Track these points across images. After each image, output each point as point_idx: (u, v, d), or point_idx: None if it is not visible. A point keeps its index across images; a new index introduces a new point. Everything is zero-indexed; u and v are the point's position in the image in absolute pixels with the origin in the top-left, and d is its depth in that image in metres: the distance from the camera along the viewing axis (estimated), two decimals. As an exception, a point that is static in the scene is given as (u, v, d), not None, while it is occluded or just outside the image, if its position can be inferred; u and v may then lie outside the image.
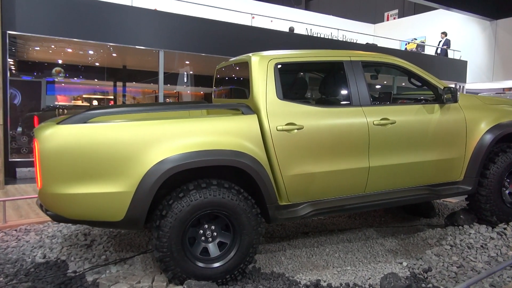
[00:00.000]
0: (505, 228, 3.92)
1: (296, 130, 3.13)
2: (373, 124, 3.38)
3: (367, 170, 3.39)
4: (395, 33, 17.98)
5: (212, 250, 2.99)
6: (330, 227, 4.56)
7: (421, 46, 17.16)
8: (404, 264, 3.48)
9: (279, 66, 3.24)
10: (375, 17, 20.93)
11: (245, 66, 3.31)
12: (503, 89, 17.36)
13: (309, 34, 15.97)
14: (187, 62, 11.50)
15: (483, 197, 3.84)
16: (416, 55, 15.08)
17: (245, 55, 3.42)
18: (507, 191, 4.06)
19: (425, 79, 3.72)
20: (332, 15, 19.35)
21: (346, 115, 3.34)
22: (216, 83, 4.34)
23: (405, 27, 18.66)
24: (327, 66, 3.85)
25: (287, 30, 13.20)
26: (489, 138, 3.77)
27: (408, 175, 3.58)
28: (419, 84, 3.86)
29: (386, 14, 20.55)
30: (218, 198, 2.88)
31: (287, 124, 3.11)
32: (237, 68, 3.71)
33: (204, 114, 3.98)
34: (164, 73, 9.43)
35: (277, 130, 3.08)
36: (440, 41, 15.65)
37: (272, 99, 3.14)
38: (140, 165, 2.73)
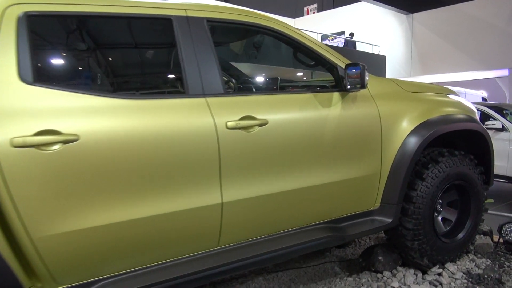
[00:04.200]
0: (440, 274, 2.68)
1: (59, 146, 1.55)
2: (226, 128, 1.91)
3: (218, 209, 1.92)
4: (315, 27, 17.20)
5: None
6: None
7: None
8: None
9: (33, 19, 1.64)
10: (295, 12, 20.09)
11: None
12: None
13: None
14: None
15: (409, 232, 2.56)
16: (337, 49, 14.32)
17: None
18: (439, 217, 2.84)
19: (317, 52, 2.33)
20: (252, 8, 18.17)
21: (174, 112, 1.82)
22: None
23: (324, 21, 17.96)
24: (140, 26, 2.23)
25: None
26: (414, 143, 2.49)
27: (293, 210, 2.17)
28: (312, 62, 2.49)
29: (306, 8, 19.79)
30: None
31: (39, 134, 1.53)
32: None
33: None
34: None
35: (13, 146, 1.48)
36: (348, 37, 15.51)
37: (9, 83, 1.54)
38: None
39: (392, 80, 2.65)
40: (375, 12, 15.80)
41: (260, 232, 2.10)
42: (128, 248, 1.74)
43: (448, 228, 2.84)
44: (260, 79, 2.56)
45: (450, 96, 2.98)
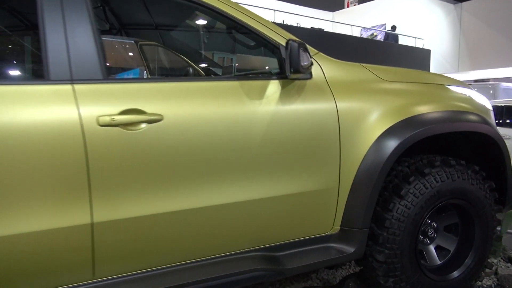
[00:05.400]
0: (426, 322, 2.04)
1: None
2: (98, 125, 1.44)
3: (87, 232, 1.45)
4: (355, 20, 16.30)
5: None
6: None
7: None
8: None
9: None
10: (335, 4, 19.20)
11: None
12: (474, 81, 15.78)
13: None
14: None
15: (382, 266, 1.94)
16: (375, 43, 13.45)
17: None
18: (432, 245, 2.18)
19: (251, 28, 1.76)
20: (289, 2, 17.58)
21: (22, 102, 1.38)
22: None
23: (365, 14, 16.95)
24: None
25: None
26: (388, 147, 1.86)
27: (202, 234, 1.64)
28: (253, 43, 1.94)
29: (346, 0, 18.85)
30: None
31: None
32: None
33: None
34: None
35: None
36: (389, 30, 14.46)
37: None
38: None
39: (362, 65, 2.03)
40: (419, 2, 14.65)
41: (156, 261, 1.60)
42: None
43: (443, 260, 2.18)
44: (168, 63, 2.06)
45: (455, 88, 2.29)
